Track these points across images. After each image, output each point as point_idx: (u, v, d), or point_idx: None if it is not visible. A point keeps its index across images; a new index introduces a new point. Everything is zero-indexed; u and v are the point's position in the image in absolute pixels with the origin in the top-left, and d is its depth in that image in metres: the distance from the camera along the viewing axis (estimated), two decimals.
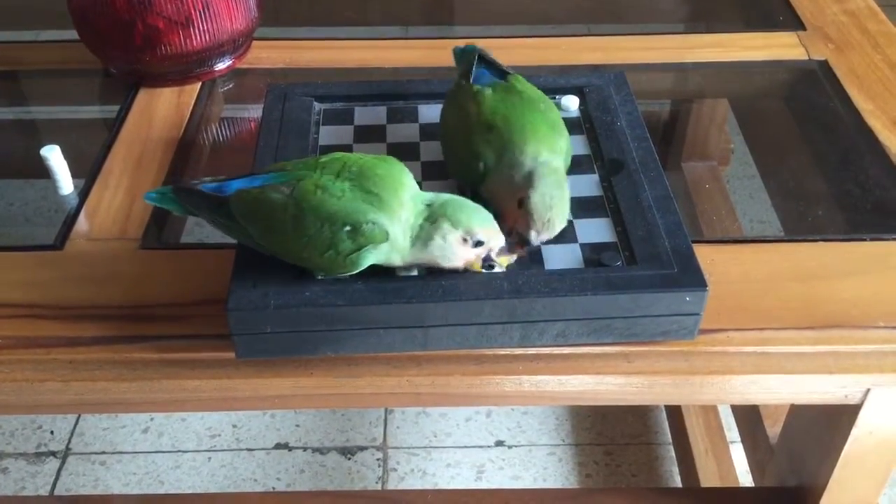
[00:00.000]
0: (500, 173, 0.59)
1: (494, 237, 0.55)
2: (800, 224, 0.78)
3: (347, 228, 0.53)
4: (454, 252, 0.54)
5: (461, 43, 0.72)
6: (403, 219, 0.54)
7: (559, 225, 0.57)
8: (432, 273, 0.57)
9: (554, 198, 0.56)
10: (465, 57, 0.68)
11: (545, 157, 0.59)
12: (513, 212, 0.57)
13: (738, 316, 0.60)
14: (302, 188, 0.54)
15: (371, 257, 0.54)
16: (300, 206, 0.53)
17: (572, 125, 0.69)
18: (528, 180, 0.57)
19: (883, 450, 0.67)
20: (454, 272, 0.56)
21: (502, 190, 0.59)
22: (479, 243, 0.54)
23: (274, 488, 1.25)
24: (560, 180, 0.58)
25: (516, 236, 0.57)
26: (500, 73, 0.66)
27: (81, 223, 0.69)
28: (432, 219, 0.54)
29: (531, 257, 0.58)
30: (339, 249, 0.53)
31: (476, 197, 0.60)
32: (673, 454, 1.26)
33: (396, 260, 0.55)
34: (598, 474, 1.27)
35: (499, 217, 0.57)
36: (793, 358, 0.59)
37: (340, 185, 0.54)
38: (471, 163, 0.61)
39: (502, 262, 0.56)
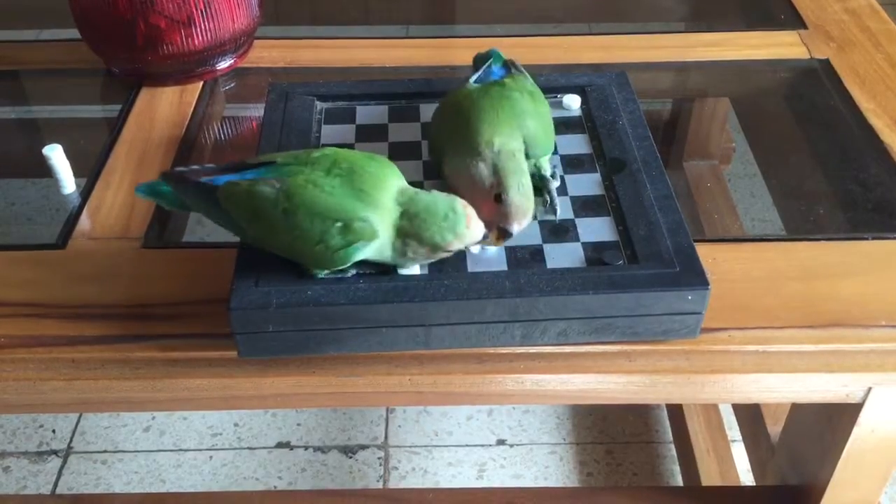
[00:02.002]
0: (458, 158, 0.60)
1: (466, 240, 0.55)
2: (801, 223, 0.78)
3: (339, 224, 0.53)
4: (427, 260, 0.56)
5: (462, 42, 0.72)
6: (387, 220, 0.54)
7: (532, 211, 0.58)
8: (434, 272, 0.57)
9: (526, 187, 0.57)
10: (480, 60, 0.69)
11: (500, 142, 0.59)
12: (489, 206, 0.57)
13: (739, 315, 0.60)
14: (292, 183, 0.54)
15: (360, 253, 0.54)
16: (291, 200, 0.54)
17: (574, 124, 0.69)
18: (496, 175, 0.58)
19: (884, 448, 0.67)
20: (458, 273, 0.56)
21: (468, 182, 0.59)
22: (447, 251, 0.55)
23: (275, 487, 1.26)
24: (520, 165, 0.58)
25: (496, 230, 0.57)
26: (504, 70, 0.68)
27: (83, 222, 0.69)
28: (402, 235, 0.54)
29: (533, 256, 0.58)
30: (329, 244, 0.53)
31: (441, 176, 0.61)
32: (674, 453, 1.26)
33: (385, 257, 0.55)
34: (599, 473, 1.27)
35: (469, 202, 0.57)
36: (794, 357, 0.59)
37: (331, 181, 0.54)
38: (438, 147, 0.63)
39: (477, 247, 0.57)
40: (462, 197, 0.56)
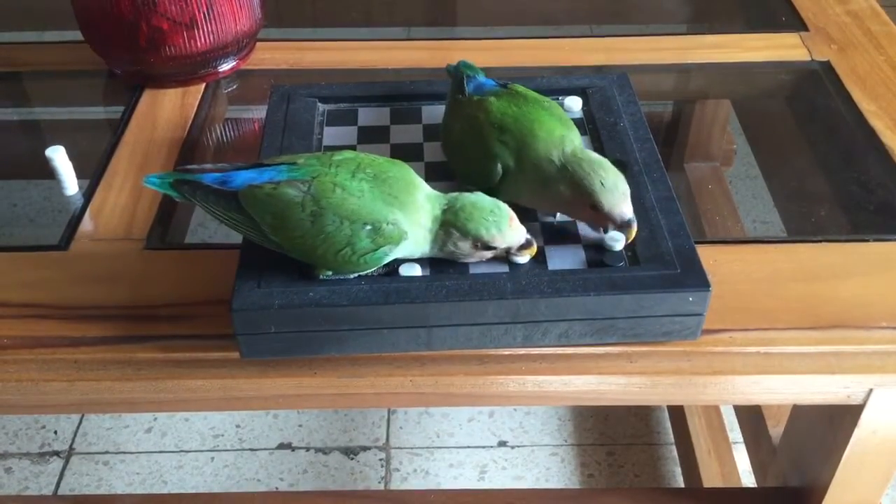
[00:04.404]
0: (528, 176, 0.60)
1: (508, 239, 0.56)
2: (802, 224, 0.78)
3: (368, 227, 0.54)
4: (468, 256, 0.56)
5: (463, 45, 0.72)
6: (421, 221, 0.55)
7: (627, 191, 0.58)
8: (436, 273, 0.57)
9: (611, 180, 0.57)
10: (457, 72, 0.69)
11: (558, 153, 0.59)
12: (589, 215, 0.58)
13: (740, 316, 0.60)
14: (319, 185, 0.55)
15: (386, 257, 0.55)
16: (319, 203, 0.54)
17: (575, 126, 0.69)
18: (577, 186, 0.58)
19: (885, 450, 0.67)
20: (459, 275, 0.57)
21: (556, 201, 0.59)
22: (489, 248, 0.55)
23: (277, 488, 1.26)
24: (598, 161, 0.59)
25: (618, 229, 0.58)
26: (498, 83, 0.68)
27: (86, 223, 0.69)
28: (445, 226, 0.55)
29: (534, 258, 0.58)
30: (355, 248, 0.54)
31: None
32: (675, 454, 1.26)
33: (423, 253, 0.56)
34: (600, 475, 1.27)
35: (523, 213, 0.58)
36: (795, 358, 0.59)
37: (359, 186, 0.55)
38: (487, 166, 0.61)
39: (525, 255, 0.57)
40: (551, 211, 0.59)
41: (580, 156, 0.59)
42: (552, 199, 0.60)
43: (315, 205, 0.54)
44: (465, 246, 0.55)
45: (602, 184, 0.57)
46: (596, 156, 0.59)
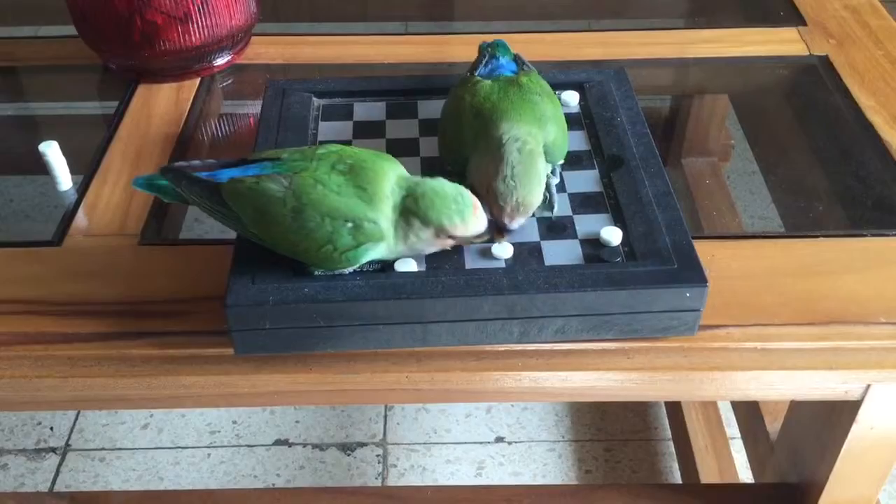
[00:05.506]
0: (478, 157, 0.59)
1: (471, 228, 0.54)
2: (800, 220, 0.77)
3: (349, 225, 0.53)
4: (431, 245, 0.55)
5: (461, 39, 0.72)
6: (388, 213, 0.54)
7: (532, 205, 0.57)
8: (432, 269, 0.56)
9: (517, 178, 0.56)
10: (482, 52, 0.69)
11: (515, 133, 0.58)
12: (487, 198, 0.57)
13: (738, 312, 0.60)
14: (300, 181, 0.54)
15: (367, 255, 0.54)
16: (300, 199, 0.53)
17: (572, 121, 0.69)
18: (496, 165, 0.57)
19: (883, 445, 0.67)
20: (455, 270, 0.56)
21: (477, 176, 0.59)
22: (451, 237, 0.54)
23: (274, 484, 1.25)
24: (527, 159, 0.57)
25: (492, 224, 0.57)
26: (518, 66, 0.67)
27: (80, 219, 0.69)
28: (405, 215, 0.54)
29: (531, 253, 0.58)
30: (336, 245, 0.53)
31: (464, 182, 0.60)
32: (673, 450, 1.26)
33: (384, 254, 0.55)
34: (597, 470, 1.27)
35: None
36: (793, 354, 0.59)
37: (336, 179, 0.54)
38: (457, 149, 0.62)
39: (488, 239, 0.56)
40: (477, 192, 0.56)
41: (534, 157, 0.58)
42: (474, 169, 0.58)
43: (296, 201, 0.53)
44: (426, 235, 0.54)
45: (506, 182, 0.56)
46: (533, 160, 0.57)
